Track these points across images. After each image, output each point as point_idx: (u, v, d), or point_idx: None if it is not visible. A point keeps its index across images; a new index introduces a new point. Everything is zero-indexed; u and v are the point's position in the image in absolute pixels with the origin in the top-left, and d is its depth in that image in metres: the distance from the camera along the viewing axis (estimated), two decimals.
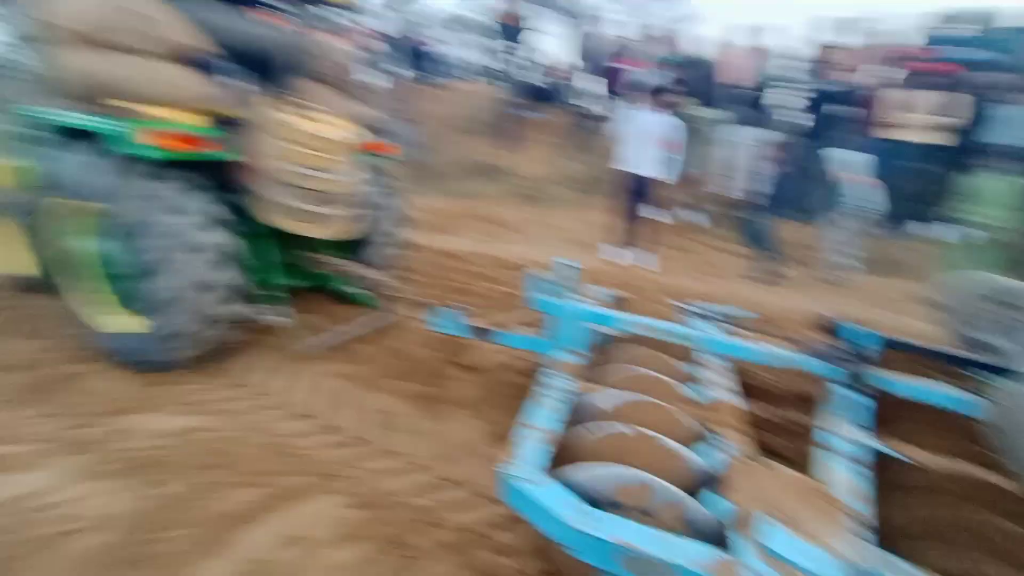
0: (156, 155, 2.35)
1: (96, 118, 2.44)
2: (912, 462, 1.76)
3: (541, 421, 1.62)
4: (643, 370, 2.02)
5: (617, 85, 7.95)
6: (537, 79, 9.32)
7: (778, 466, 1.49)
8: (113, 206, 2.43)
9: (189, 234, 2.45)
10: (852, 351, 1.96)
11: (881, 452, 1.73)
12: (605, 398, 1.78)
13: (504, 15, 9.65)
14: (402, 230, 3.75)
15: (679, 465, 1.48)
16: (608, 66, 8.57)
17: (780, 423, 2.26)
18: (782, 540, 1.17)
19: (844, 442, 1.63)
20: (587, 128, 8.36)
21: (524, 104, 8.87)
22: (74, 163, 2.51)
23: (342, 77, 3.43)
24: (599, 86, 9.02)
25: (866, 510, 1.39)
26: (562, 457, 1.55)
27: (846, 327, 2.03)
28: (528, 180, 8.25)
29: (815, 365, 2.00)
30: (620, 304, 3.01)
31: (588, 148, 8.24)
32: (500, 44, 9.79)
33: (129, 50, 2.52)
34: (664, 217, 6.20)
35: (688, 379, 2.11)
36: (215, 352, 2.88)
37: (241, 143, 2.71)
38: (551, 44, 10.05)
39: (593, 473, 1.39)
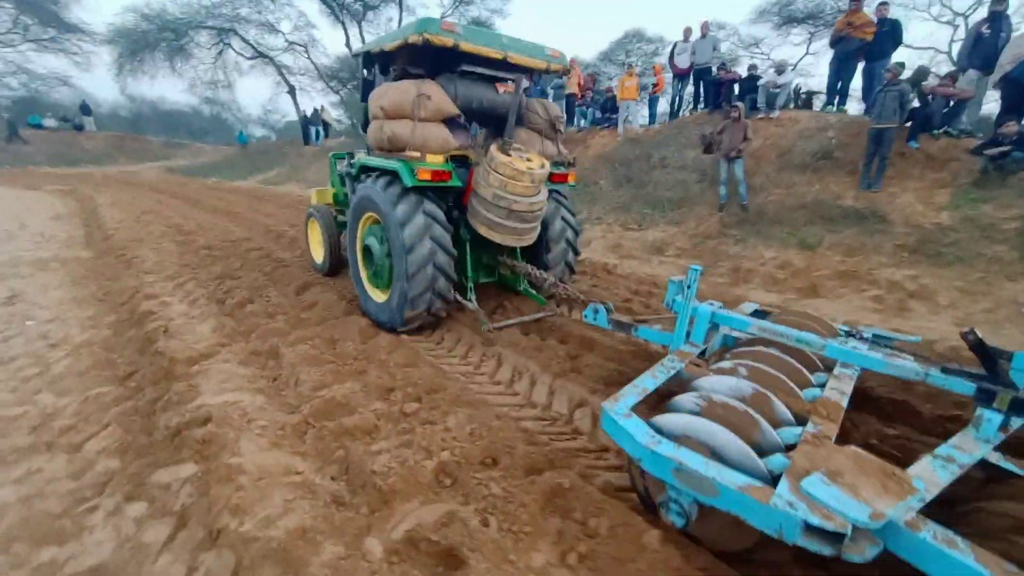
0: (417, 183, 3.68)
1: (393, 161, 3.82)
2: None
3: (643, 383, 2.23)
4: (757, 364, 2.36)
5: None
6: (902, 98, 6.83)
7: (851, 448, 1.65)
8: (391, 212, 3.72)
9: (433, 229, 3.75)
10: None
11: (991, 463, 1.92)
12: (711, 379, 2.22)
13: (847, 25, 7.94)
14: (575, 241, 4.81)
15: (755, 430, 1.84)
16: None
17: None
18: (819, 486, 1.45)
19: (949, 448, 1.83)
20: (997, 158, 6.05)
21: (890, 129, 6.65)
22: (378, 189, 3.87)
23: (546, 125, 4.44)
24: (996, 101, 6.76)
25: (930, 495, 1.54)
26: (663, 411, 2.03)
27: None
28: (920, 231, 5.92)
29: (947, 382, 2.10)
30: (761, 315, 3.35)
31: (1005, 185, 5.96)
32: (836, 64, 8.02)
33: (411, 117, 3.77)
34: None
35: (806, 382, 2.43)
36: (430, 324, 4.13)
37: (467, 174, 3.98)
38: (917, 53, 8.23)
39: (676, 420, 1.90)
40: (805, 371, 2.51)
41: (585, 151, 11.45)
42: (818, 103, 10.46)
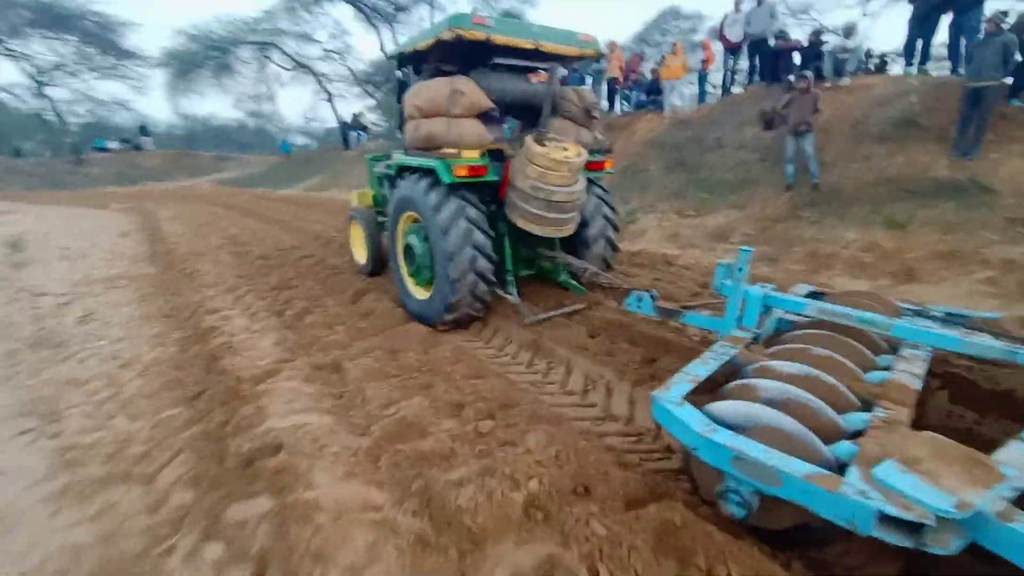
0: (455, 180, 3.70)
1: (430, 160, 3.82)
2: None
3: (695, 370, 2.12)
4: (815, 347, 2.25)
5: None
6: (1005, 51, 5.89)
7: (927, 433, 1.54)
8: (430, 210, 3.76)
9: (475, 236, 3.76)
10: None
11: None
12: (765, 364, 2.12)
13: None
14: (614, 232, 4.70)
15: (816, 416, 1.76)
16: None
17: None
18: (894, 473, 1.36)
19: None
20: None
21: (991, 87, 5.85)
22: (417, 188, 3.91)
23: (581, 113, 4.36)
24: None
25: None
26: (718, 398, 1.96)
27: None
28: None
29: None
30: (817, 296, 3.07)
31: None
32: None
33: (446, 115, 3.79)
34: None
35: (872, 365, 2.28)
36: (471, 318, 4.07)
37: (503, 168, 3.92)
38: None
39: (731, 407, 1.83)
40: (869, 353, 2.36)
41: (631, 136, 10.93)
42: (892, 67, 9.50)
